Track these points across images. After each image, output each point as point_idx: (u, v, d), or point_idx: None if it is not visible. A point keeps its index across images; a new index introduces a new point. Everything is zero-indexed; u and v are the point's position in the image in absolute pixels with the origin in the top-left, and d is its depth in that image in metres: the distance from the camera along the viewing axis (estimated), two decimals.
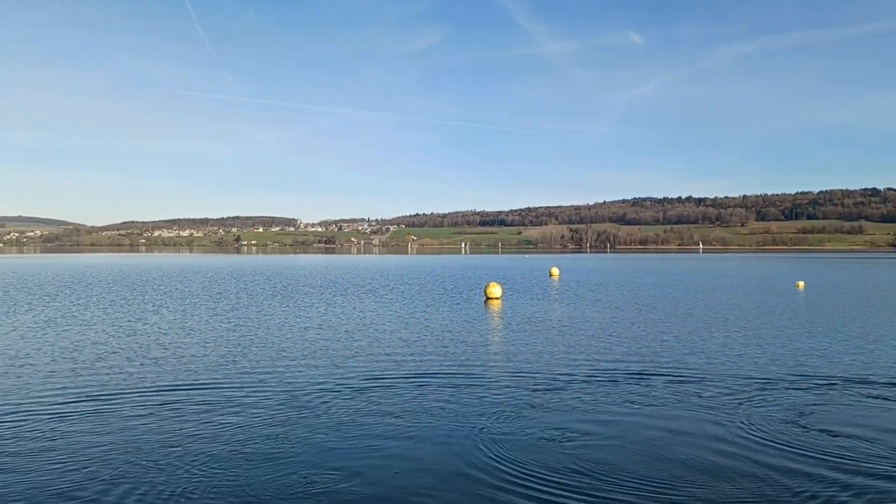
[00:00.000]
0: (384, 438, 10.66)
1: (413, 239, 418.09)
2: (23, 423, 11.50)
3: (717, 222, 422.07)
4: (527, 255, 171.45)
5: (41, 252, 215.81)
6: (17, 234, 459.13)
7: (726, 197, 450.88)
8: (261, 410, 12.37)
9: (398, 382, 14.84)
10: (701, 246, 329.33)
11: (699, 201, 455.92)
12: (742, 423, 11.45)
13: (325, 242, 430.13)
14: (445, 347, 19.76)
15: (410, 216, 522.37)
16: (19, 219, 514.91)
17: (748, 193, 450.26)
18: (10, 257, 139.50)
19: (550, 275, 63.50)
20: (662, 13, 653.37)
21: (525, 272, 70.84)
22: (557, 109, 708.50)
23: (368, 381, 15.03)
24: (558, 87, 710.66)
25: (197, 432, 10.95)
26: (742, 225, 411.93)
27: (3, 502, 8.10)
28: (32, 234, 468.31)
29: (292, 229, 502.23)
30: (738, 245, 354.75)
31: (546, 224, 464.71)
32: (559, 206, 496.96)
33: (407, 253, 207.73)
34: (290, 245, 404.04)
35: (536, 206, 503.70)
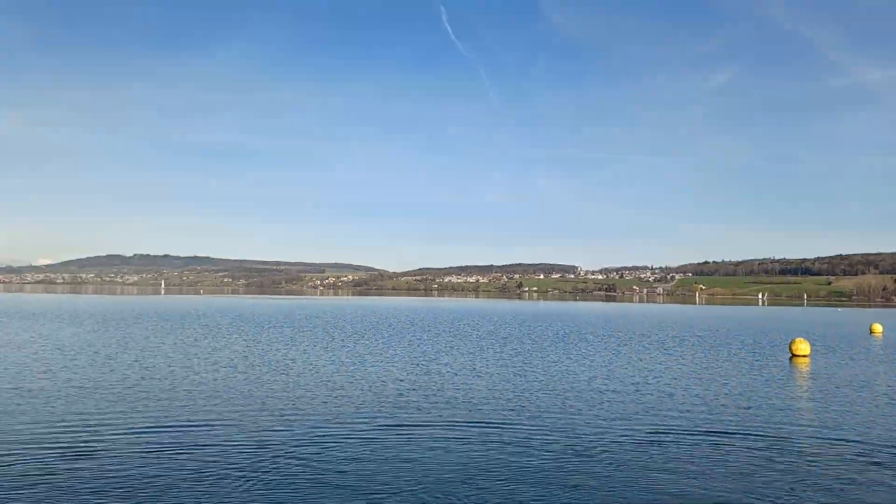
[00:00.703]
0: (678, 498, 9.90)
1: (701, 288, 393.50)
2: (335, 443, 12.92)
3: None
4: (839, 309, 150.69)
5: (351, 294, 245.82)
6: (333, 279, 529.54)
7: None
8: (547, 455, 12.34)
9: (689, 438, 13.81)
10: None
11: None
12: None
13: (606, 290, 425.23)
14: (745, 407, 17.98)
15: (698, 264, 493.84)
16: (336, 265, 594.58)
17: None
18: (329, 299, 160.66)
19: (872, 332, 55.01)
20: None
21: (838, 328, 62.31)
22: (877, 143, 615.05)
23: (657, 434, 14.23)
24: (878, 119, 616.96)
25: (485, 470, 11.26)
26: None
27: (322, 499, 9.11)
28: (346, 278, 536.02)
29: (572, 276, 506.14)
30: None
31: (862, 273, 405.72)
32: (879, 254, 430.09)
33: (694, 303, 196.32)
34: (569, 292, 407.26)
35: (850, 253, 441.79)
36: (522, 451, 12.59)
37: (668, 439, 13.79)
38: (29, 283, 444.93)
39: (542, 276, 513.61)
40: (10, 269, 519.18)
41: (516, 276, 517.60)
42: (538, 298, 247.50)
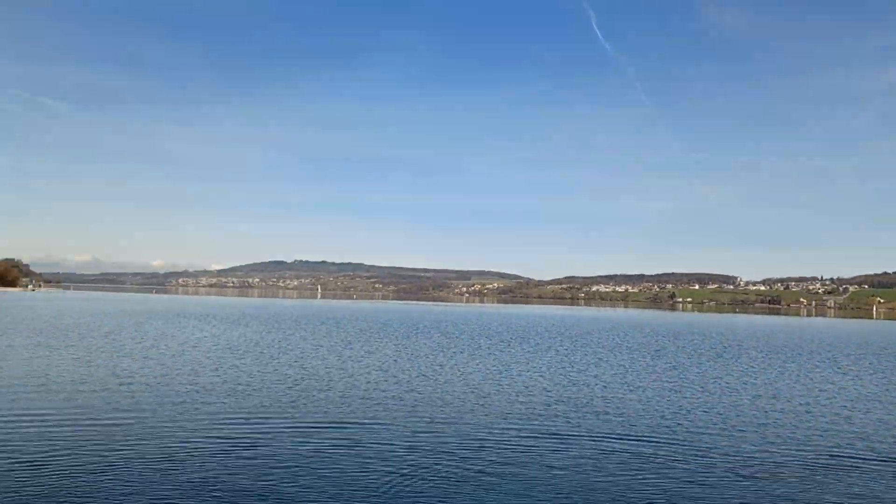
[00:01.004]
0: None
1: (879, 301, 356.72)
2: (484, 449, 12.94)
3: None
4: None
5: (497, 302, 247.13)
6: (479, 286, 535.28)
7: None
8: (706, 476, 11.62)
9: (871, 466, 12.48)
10: None
11: None
12: None
13: (769, 302, 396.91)
14: None
15: (876, 275, 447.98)
16: (481, 272, 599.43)
17: None
18: (474, 306, 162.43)
19: None
20: None
21: None
22: None
23: (832, 459, 13.01)
24: None
25: (640, 486, 10.78)
26: None
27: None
28: (492, 286, 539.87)
29: (731, 287, 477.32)
30: None
31: None
32: None
33: (871, 318, 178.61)
34: (727, 304, 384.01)
35: None
36: (679, 470, 11.96)
37: (844, 466, 12.57)
38: (203, 286, 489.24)
39: (697, 287, 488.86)
40: (187, 274, 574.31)
41: (668, 286, 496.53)
42: (693, 310, 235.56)
